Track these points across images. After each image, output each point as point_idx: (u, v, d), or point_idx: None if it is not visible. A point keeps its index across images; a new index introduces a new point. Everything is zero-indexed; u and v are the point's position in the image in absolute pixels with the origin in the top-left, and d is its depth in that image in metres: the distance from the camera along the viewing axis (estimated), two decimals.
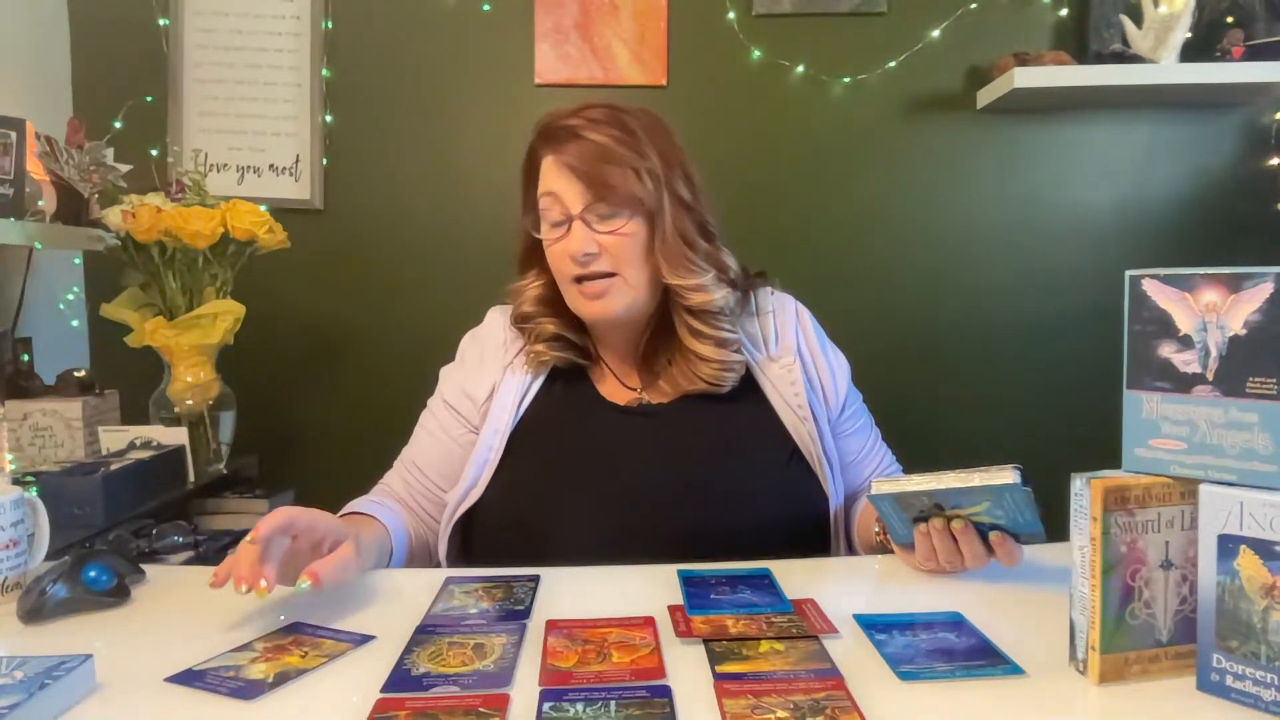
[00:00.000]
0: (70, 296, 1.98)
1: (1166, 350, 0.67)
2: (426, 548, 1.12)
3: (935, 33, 2.00)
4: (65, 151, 1.62)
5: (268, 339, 1.93)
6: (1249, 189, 2.02)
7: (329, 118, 2.02)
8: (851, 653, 0.73)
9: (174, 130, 2.00)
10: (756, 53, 2.01)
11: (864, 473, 1.17)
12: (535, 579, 0.91)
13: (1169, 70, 1.83)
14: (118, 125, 1.93)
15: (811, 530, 1.08)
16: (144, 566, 0.93)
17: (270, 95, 2.01)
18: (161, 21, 1.98)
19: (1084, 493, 0.66)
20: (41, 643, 0.77)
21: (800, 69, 2.02)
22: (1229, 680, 0.63)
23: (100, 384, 1.67)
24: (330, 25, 2.02)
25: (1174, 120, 2.03)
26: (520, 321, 1.13)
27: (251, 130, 2.02)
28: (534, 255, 1.12)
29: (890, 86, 2.02)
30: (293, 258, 1.82)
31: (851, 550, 1.13)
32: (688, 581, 0.89)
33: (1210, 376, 0.65)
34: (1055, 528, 0.81)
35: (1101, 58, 1.91)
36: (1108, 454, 0.72)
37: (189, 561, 1.49)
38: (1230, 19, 1.90)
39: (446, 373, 1.18)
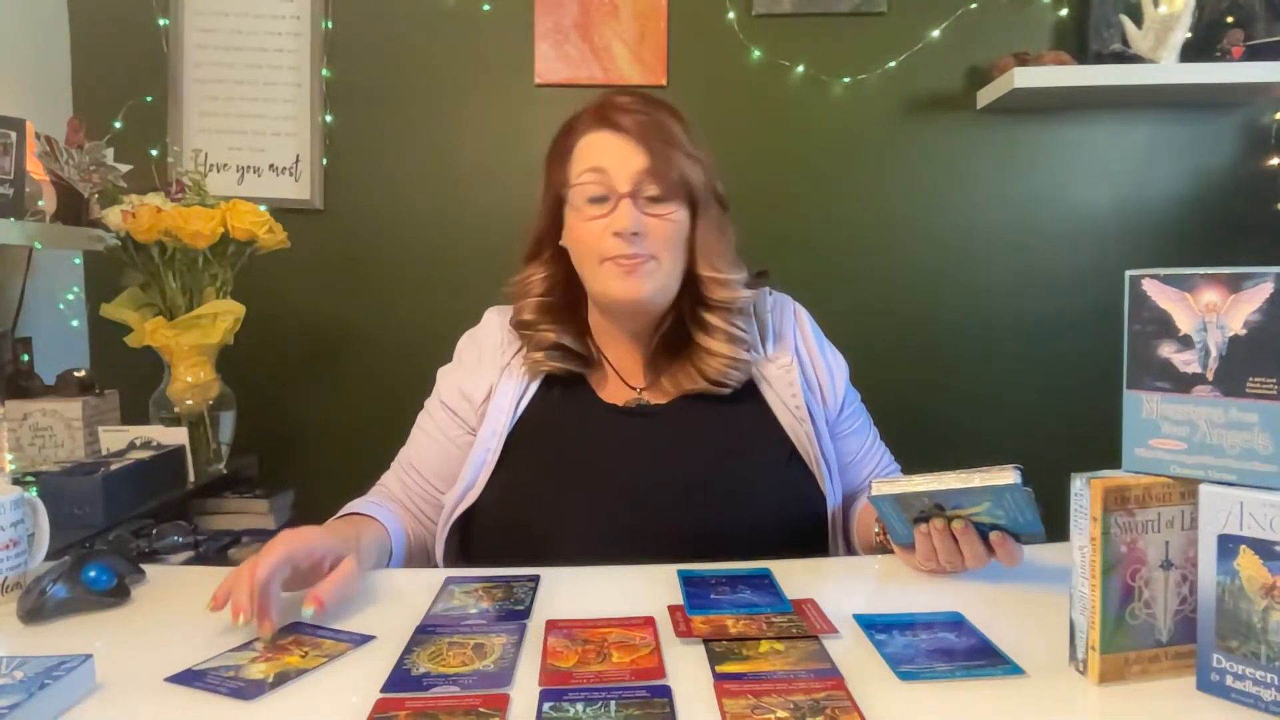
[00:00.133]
0: (70, 296, 1.98)
1: (1166, 350, 0.67)
2: (425, 549, 1.12)
3: (935, 33, 2.00)
4: (65, 151, 1.63)
5: (268, 339, 1.93)
6: (1249, 189, 2.02)
7: (329, 118, 2.02)
8: (851, 653, 0.73)
9: (174, 130, 2.00)
10: (756, 53, 2.01)
11: (862, 473, 1.17)
12: (535, 579, 0.91)
13: (1169, 70, 1.83)
14: (118, 125, 1.93)
15: (810, 531, 1.08)
16: (144, 566, 0.93)
17: (270, 95, 2.01)
18: (161, 21, 1.98)
19: (1084, 493, 0.66)
20: (41, 643, 0.77)
21: (800, 69, 2.02)
22: (1229, 680, 0.63)
23: (100, 384, 1.67)
24: (330, 25, 2.02)
25: (1174, 120, 2.03)
26: (520, 328, 1.13)
27: (251, 130, 2.02)
28: (544, 244, 1.12)
29: (890, 86, 2.02)
30: (293, 258, 1.82)
31: (850, 550, 1.13)
32: (688, 581, 0.89)
33: (1210, 376, 0.65)
34: (1055, 528, 0.81)
35: (1101, 58, 1.91)
36: (1108, 454, 0.72)
37: (189, 561, 1.49)
38: (1230, 19, 1.90)
39: (444, 373, 1.18)
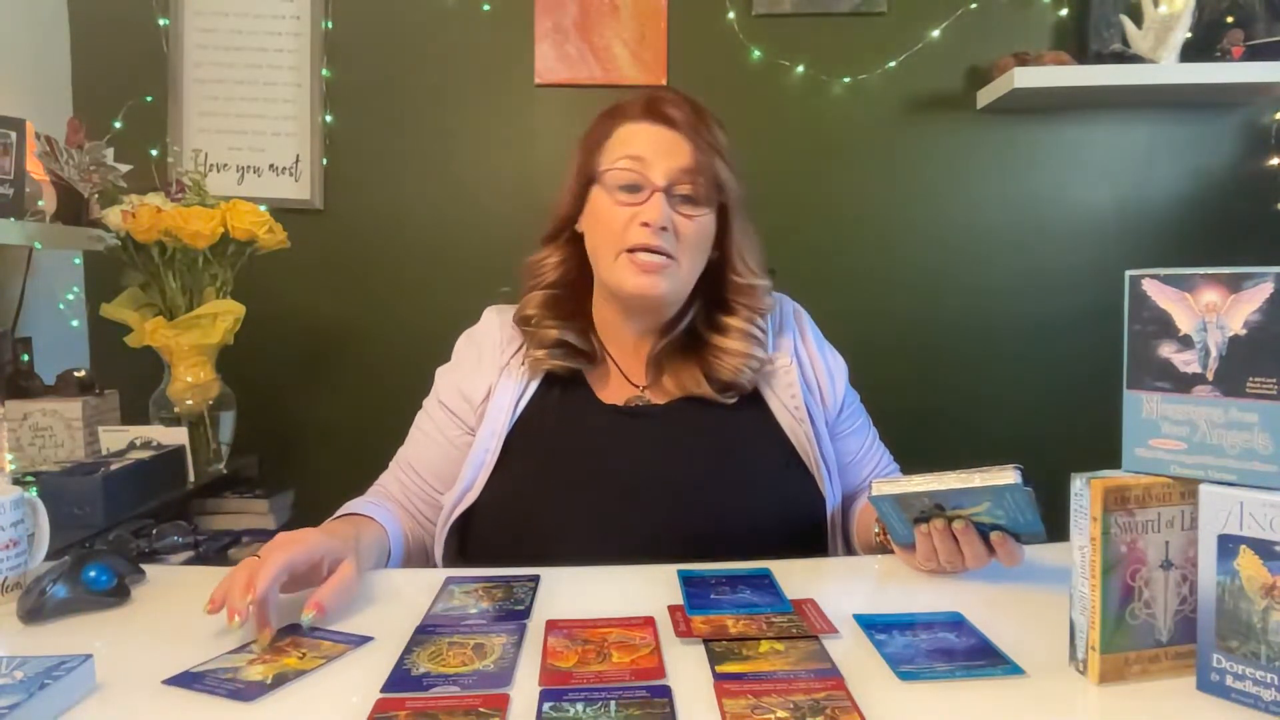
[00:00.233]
0: (70, 296, 1.98)
1: (1166, 350, 0.67)
2: (423, 548, 1.12)
3: (935, 33, 2.00)
4: (65, 151, 1.63)
5: (268, 339, 1.93)
6: (1249, 189, 2.02)
7: (329, 118, 2.03)
8: (851, 653, 0.73)
9: (174, 130, 2.00)
10: (756, 53, 2.01)
11: (862, 473, 1.17)
12: (535, 579, 0.91)
13: (1169, 70, 1.83)
14: (118, 125, 1.93)
15: (808, 531, 1.08)
16: (144, 566, 0.93)
17: (270, 95, 2.02)
18: (161, 21, 1.98)
19: (1084, 493, 0.66)
20: (41, 643, 0.77)
21: (800, 69, 2.02)
22: (1229, 680, 0.63)
23: (100, 384, 1.67)
24: (330, 25, 2.02)
25: (1174, 120, 2.03)
26: (523, 324, 1.13)
27: (251, 130, 2.02)
28: (564, 226, 1.12)
29: (890, 86, 2.02)
30: (293, 258, 1.82)
31: (849, 551, 1.13)
32: (688, 581, 0.89)
33: (1210, 376, 0.65)
34: (1055, 528, 0.81)
35: (1101, 58, 1.91)
36: (1108, 454, 0.72)
37: (189, 561, 1.49)
38: (1230, 19, 1.91)
39: (442, 373, 1.17)
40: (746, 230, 1.12)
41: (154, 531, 1.49)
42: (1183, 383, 0.66)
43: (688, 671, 0.69)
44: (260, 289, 1.81)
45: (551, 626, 0.78)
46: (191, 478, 1.65)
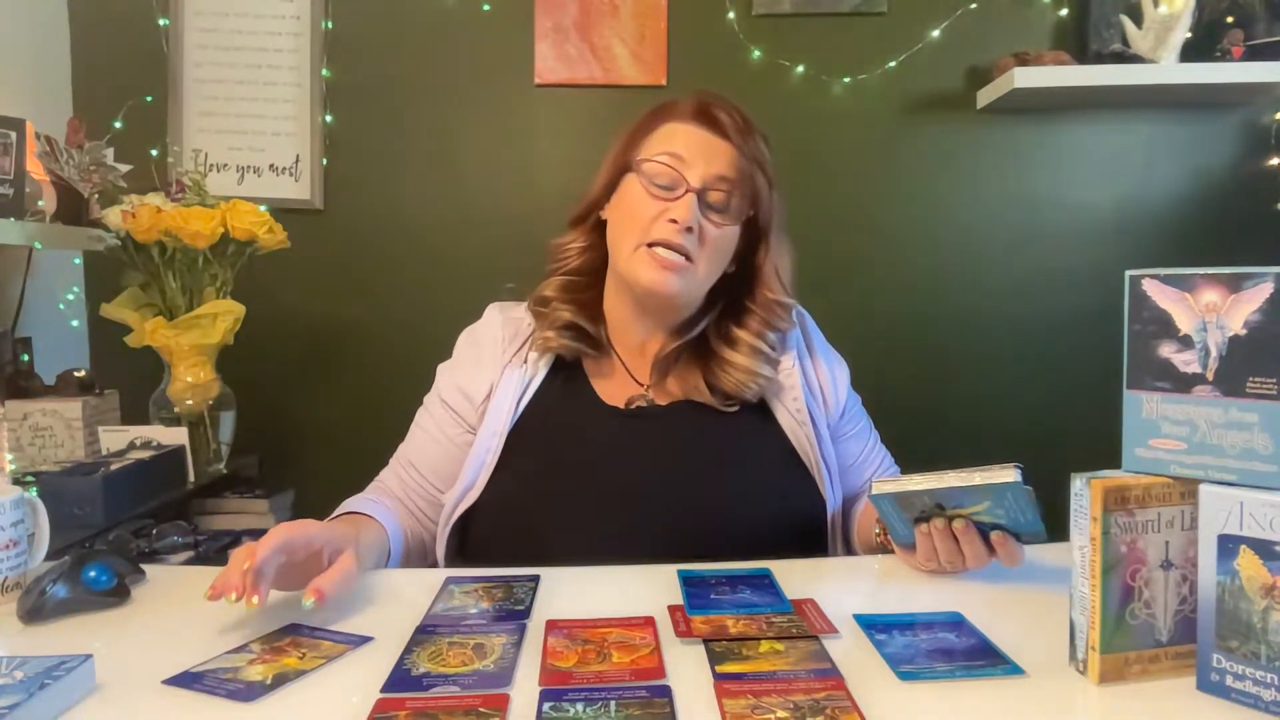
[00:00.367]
0: (70, 296, 1.98)
1: (1166, 350, 0.67)
2: (422, 546, 1.12)
3: (935, 33, 2.00)
4: (65, 151, 1.63)
5: (268, 339, 1.93)
6: (1249, 189, 2.02)
7: (329, 118, 2.03)
8: (851, 653, 0.73)
9: (174, 130, 2.00)
10: (756, 53, 2.01)
11: (863, 476, 1.17)
12: (535, 579, 0.91)
13: (1169, 70, 1.83)
14: (118, 125, 1.93)
15: (809, 533, 1.08)
16: (144, 566, 0.93)
17: (270, 95, 2.02)
18: (161, 21, 1.98)
19: (1084, 493, 0.66)
20: (41, 643, 0.77)
21: (800, 69, 2.02)
22: (1229, 680, 0.63)
23: (100, 384, 1.67)
24: (330, 25, 2.02)
25: (1174, 120, 2.03)
26: (537, 304, 1.13)
27: (251, 130, 2.02)
28: (592, 212, 1.13)
29: (890, 86, 2.02)
30: (293, 258, 1.82)
31: (849, 553, 1.13)
32: (688, 581, 0.89)
33: (1210, 376, 0.65)
34: (1055, 528, 0.81)
35: (1101, 58, 1.91)
36: (1108, 454, 0.72)
37: (189, 561, 1.49)
38: (1230, 19, 1.91)
39: (443, 370, 1.17)
40: (783, 246, 1.13)
41: (154, 531, 1.49)
42: (1183, 383, 0.66)
43: (688, 671, 0.69)
44: (260, 289, 1.81)
45: (551, 626, 0.78)
46: (191, 478, 1.65)
